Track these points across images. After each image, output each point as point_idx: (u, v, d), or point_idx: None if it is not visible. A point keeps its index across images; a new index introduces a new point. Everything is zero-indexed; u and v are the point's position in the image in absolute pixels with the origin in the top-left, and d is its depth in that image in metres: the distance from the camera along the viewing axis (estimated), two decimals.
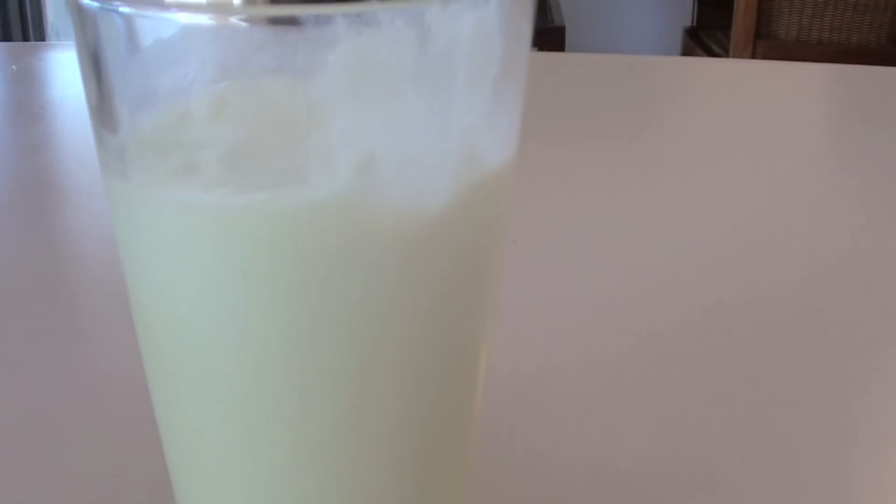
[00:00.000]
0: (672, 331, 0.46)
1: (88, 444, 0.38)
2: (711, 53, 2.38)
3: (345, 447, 0.24)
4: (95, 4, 0.21)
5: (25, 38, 2.05)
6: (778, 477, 0.36)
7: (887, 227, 0.57)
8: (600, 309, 0.48)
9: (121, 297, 0.26)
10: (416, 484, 0.25)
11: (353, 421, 0.23)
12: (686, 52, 2.54)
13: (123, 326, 0.29)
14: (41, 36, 2.10)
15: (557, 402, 0.40)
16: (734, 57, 2.09)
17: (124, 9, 0.21)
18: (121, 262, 0.25)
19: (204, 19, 0.21)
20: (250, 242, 0.22)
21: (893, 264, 0.53)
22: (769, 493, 0.35)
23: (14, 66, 0.90)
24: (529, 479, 0.36)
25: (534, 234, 0.54)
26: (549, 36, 2.16)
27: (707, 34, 2.45)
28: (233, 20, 0.21)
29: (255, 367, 0.23)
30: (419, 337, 0.23)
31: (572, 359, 0.44)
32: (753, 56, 2.04)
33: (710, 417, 0.39)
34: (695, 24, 2.58)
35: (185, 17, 0.21)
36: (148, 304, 0.24)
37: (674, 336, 0.45)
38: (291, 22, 0.21)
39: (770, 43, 2.04)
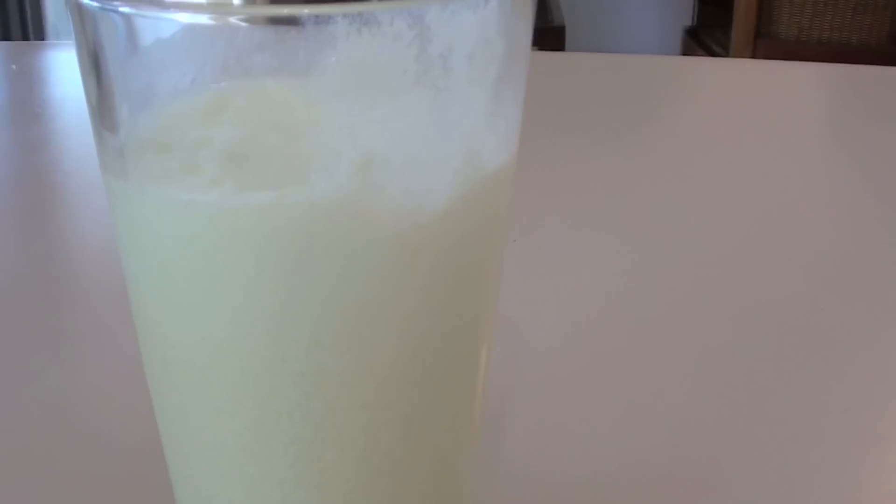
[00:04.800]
0: (672, 330, 0.46)
1: (88, 444, 0.38)
2: (712, 53, 2.38)
3: (347, 445, 0.24)
4: (95, 4, 0.21)
5: (25, 38, 2.05)
6: (778, 475, 0.36)
7: (888, 226, 0.57)
8: (600, 308, 0.48)
9: (121, 297, 0.26)
10: (420, 485, 0.25)
11: (354, 419, 0.23)
12: (686, 51, 2.54)
13: (123, 325, 0.29)
14: (41, 35, 2.10)
15: (557, 403, 0.40)
16: (734, 56, 2.09)
17: (124, 8, 0.21)
18: (121, 262, 0.25)
19: (204, 19, 0.21)
20: (250, 242, 0.22)
21: (894, 264, 0.53)
22: (768, 491, 0.35)
23: (14, 66, 0.90)
24: (530, 480, 0.36)
25: (534, 233, 0.54)
26: (549, 36, 2.16)
27: (707, 34, 2.45)
28: (233, 20, 0.21)
29: (256, 366, 0.23)
30: (419, 336, 0.23)
31: (573, 359, 0.44)
32: (754, 55, 2.04)
33: (713, 420, 0.39)
34: (695, 23, 2.58)
35: (185, 17, 0.21)
36: (148, 303, 0.24)
37: (674, 335, 0.45)
38: (291, 22, 0.21)
39: (770, 42, 2.04)
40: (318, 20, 0.20)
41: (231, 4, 0.27)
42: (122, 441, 0.37)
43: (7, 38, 2.02)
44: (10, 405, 0.40)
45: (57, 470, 0.36)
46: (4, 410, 0.40)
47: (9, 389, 0.41)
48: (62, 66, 0.91)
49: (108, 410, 0.40)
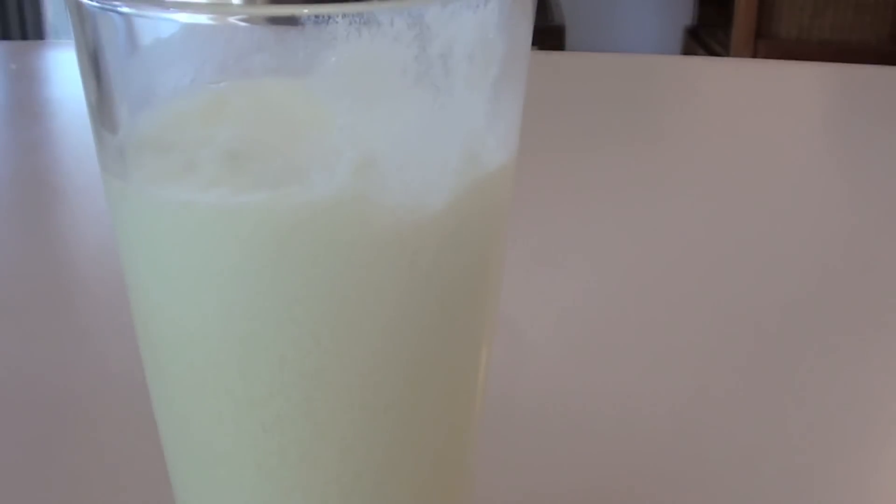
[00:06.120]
0: (673, 329, 0.46)
1: (87, 445, 0.38)
2: (712, 52, 2.38)
3: (346, 446, 0.24)
4: (95, 4, 0.21)
5: (24, 37, 2.04)
6: (778, 477, 0.36)
7: (888, 226, 0.57)
8: (600, 308, 0.48)
9: (120, 297, 0.26)
10: (419, 485, 0.25)
11: (353, 420, 0.23)
12: (687, 51, 2.53)
13: (123, 326, 0.29)
14: (40, 35, 2.09)
15: (558, 404, 0.40)
16: (735, 56, 2.08)
17: (124, 8, 0.21)
18: (120, 262, 0.25)
19: (204, 19, 0.21)
20: (250, 242, 0.22)
21: (894, 264, 0.53)
22: (769, 493, 0.35)
23: (13, 65, 0.90)
24: (530, 481, 0.36)
25: (534, 233, 0.54)
26: (549, 35, 2.16)
27: (708, 33, 2.45)
28: (232, 20, 0.21)
29: (256, 366, 0.23)
30: (419, 336, 0.23)
31: (573, 360, 0.43)
32: (754, 55, 2.04)
33: (714, 420, 0.39)
34: (695, 23, 2.57)
35: (184, 17, 0.21)
36: (147, 304, 0.24)
37: (675, 334, 0.45)
38: (291, 22, 0.21)
39: (771, 42, 2.04)
40: (318, 20, 0.20)
41: (231, 4, 0.27)
42: (121, 441, 0.37)
43: (6, 37, 2.02)
44: (9, 404, 0.40)
45: (57, 470, 0.36)
46: (4, 410, 0.40)
47: (8, 389, 0.41)
48: (62, 65, 0.91)
49: (107, 410, 0.40)
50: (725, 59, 2.00)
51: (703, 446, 0.38)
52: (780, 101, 0.82)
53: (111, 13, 0.21)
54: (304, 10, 0.20)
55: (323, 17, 0.20)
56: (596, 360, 0.43)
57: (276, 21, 0.21)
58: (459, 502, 0.27)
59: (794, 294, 0.49)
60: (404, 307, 0.23)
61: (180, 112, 0.22)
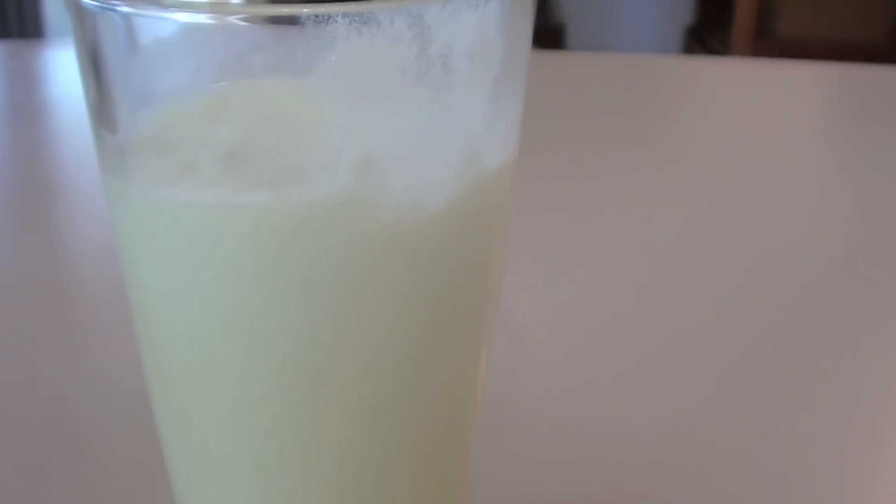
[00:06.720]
0: (672, 329, 0.46)
1: (86, 446, 0.38)
2: (713, 51, 2.38)
3: (347, 447, 0.24)
4: (94, 3, 0.21)
5: (23, 37, 2.04)
6: (777, 479, 0.36)
7: (888, 226, 0.57)
8: (599, 308, 0.48)
9: (120, 297, 0.26)
10: (419, 486, 0.25)
11: (354, 420, 0.23)
12: (687, 50, 2.54)
13: (123, 326, 0.29)
14: (40, 34, 2.09)
15: (557, 403, 0.40)
16: (735, 55, 2.09)
17: (123, 8, 0.21)
18: (120, 262, 0.25)
19: (203, 18, 0.21)
20: (249, 242, 0.22)
21: (894, 263, 0.53)
22: (767, 493, 0.35)
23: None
24: (529, 481, 0.36)
25: (534, 233, 0.54)
26: (549, 35, 2.16)
27: (708, 32, 2.45)
28: (232, 19, 0.21)
29: (256, 367, 0.23)
30: (419, 336, 0.23)
31: (572, 359, 0.43)
32: (755, 54, 2.04)
33: (713, 421, 0.39)
34: (696, 22, 2.57)
35: (184, 17, 0.21)
36: (147, 304, 0.24)
37: (674, 335, 0.45)
38: (291, 21, 0.21)
39: (771, 41, 2.04)
40: (318, 20, 0.20)
41: (231, 4, 0.27)
42: (121, 442, 0.37)
43: (5, 36, 2.01)
44: (9, 405, 0.40)
45: (56, 471, 0.36)
46: (4, 410, 0.40)
47: (8, 389, 0.41)
48: (61, 65, 0.91)
49: (107, 411, 0.40)
50: (725, 58, 2.00)
51: (702, 446, 0.38)
52: (780, 100, 0.82)
53: (111, 12, 0.21)
54: (304, 10, 0.20)
55: (323, 16, 0.20)
56: (596, 360, 0.43)
57: (275, 21, 0.21)
58: (459, 502, 0.27)
59: (796, 294, 0.49)
60: (404, 307, 0.23)
61: (180, 112, 0.22)
